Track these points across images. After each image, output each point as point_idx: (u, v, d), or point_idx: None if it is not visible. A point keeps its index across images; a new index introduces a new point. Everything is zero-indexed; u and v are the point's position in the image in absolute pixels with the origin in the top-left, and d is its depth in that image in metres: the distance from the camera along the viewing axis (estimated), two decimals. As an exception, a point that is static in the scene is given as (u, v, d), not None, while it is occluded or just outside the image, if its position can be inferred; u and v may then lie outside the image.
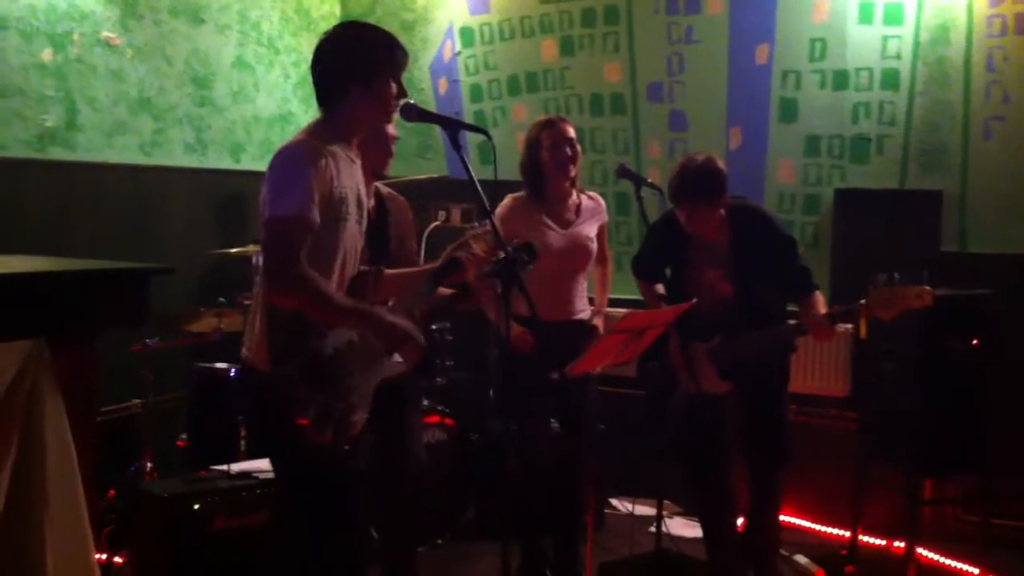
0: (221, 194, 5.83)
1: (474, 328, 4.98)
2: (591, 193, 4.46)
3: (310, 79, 2.99)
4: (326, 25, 6.26)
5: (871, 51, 5.32)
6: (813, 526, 5.23)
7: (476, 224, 3.45)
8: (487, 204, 3.09)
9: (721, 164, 3.93)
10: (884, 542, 4.88)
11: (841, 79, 5.40)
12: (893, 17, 5.27)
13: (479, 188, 3.02)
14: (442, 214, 5.52)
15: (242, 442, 4.53)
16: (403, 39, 3.03)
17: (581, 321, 4.32)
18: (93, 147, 5.14)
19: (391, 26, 6.20)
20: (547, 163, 4.19)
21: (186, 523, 3.91)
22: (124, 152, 5.29)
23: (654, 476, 4.42)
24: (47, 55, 4.91)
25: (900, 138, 5.29)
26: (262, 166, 2.92)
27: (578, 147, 4.25)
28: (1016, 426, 4.70)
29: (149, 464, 4.66)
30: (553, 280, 4.16)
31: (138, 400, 4.89)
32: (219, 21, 5.83)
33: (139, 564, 4.12)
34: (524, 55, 6.22)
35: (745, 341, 3.91)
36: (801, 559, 4.67)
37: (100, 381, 3.28)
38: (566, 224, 4.28)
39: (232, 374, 4.79)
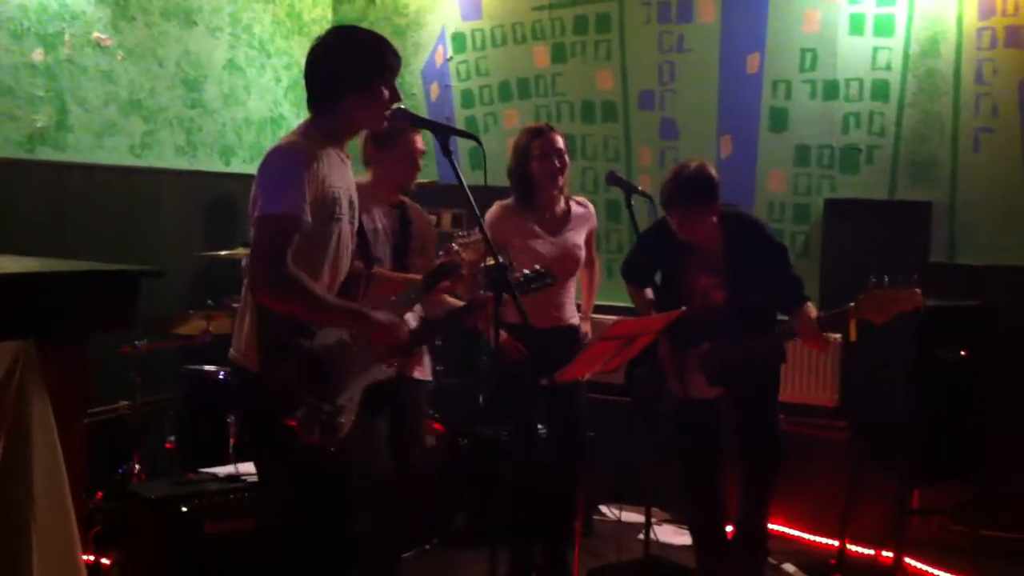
0: (211, 196, 5.82)
1: (463, 333, 4.97)
2: (580, 199, 4.47)
3: (301, 82, 3.00)
4: (318, 29, 6.26)
5: (861, 62, 5.34)
6: (802, 535, 5.24)
7: (465, 232, 3.47)
8: (477, 210, 3.10)
9: (713, 171, 3.95)
10: (872, 551, 4.89)
11: (831, 89, 5.42)
12: (884, 28, 5.29)
13: (469, 194, 3.03)
14: (432, 219, 5.51)
15: (231, 444, 4.52)
16: (395, 43, 3.04)
17: (570, 327, 4.33)
18: (83, 148, 5.12)
19: (383, 30, 6.20)
20: (536, 172, 4.19)
21: (174, 525, 3.90)
22: (114, 153, 5.28)
23: (643, 483, 4.43)
24: (38, 55, 4.90)
25: (890, 149, 5.31)
26: (252, 169, 2.92)
27: (567, 157, 4.25)
28: (1005, 436, 4.71)
29: (137, 466, 4.65)
30: None
31: (127, 402, 4.88)
32: (211, 23, 5.82)
33: (127, 566, 4.11)
34: (516, 61, 6.22)
35: (734, 347, 3.93)
36: (790, 568, 4.68)
37: (89, 382, 3.26)
38: (554, 231, 4.28)
39: (221, 376, 4.78)
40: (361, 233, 3.12)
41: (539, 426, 4.45)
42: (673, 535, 5.08)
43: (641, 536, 4.44)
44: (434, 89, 6.48)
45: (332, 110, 2.92)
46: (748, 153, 5.63)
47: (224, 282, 5.21)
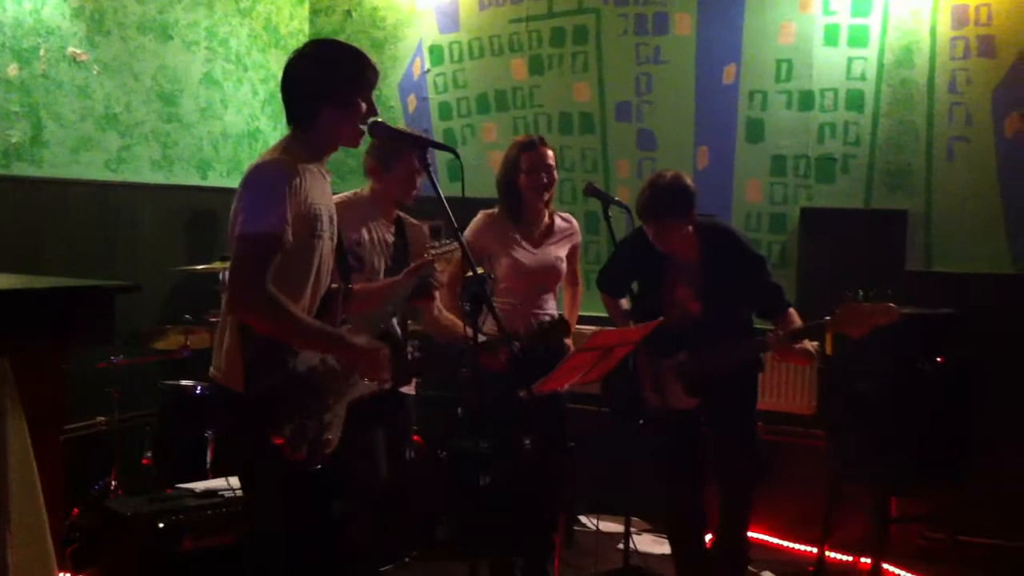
0: (188, 211, 5.80)
1: (442, 345, 4.96)
2: (565, 215, 4.48)
3: (279, 96, 2.99)
4: (295, 42, 6.26)
5: (836, 72, 5.38)
6: (780, 542, 5.25)
7: (438, 243, 3.47)
8: (455, 222, 3.11)
9: (689, 181, 3.97)
10: (851, 559, 4.90)
11: (807, 100, 5.45)
12: (858, 39, 5.33)
13: (447, 206, 3.03)
14: (425, 227, 5.52)
15: (208, 459, 4.50)
16: (373, 56, 3.03)
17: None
18: (59, 163, 5.10)
19: (360, 43, 6.20)
20: (523, 185, 4.21)
21: (152, 542, 3.88)
22: (90, 168, 5.26)
23: (622, 493, 4.43)
24: (12, 70, 4.87)
25: (865, 158, 5.35)
26: (230, 183, 2.92)
27: (555, 172, 4.27)
28: (983, 443, 4.74)
29: (114, 482, 4.62)
30: (522, 298, 4.18)
31: (104, 417, 4.85)
32: (187, 37, 5.81)
33: (103, 583, 4.08)
34: (493, 74, 6.24)
35: (711, 357, 3.94)
36: (768, 575, 4.68)
37: (65, 397, 3.24)
38: (537, 243, 4.29)
39: (199, 391, 4.76)
40: (339, 250, 3.12)
41: (525, 441, 4.44)
42: (653, 545, 5.08)
43: (621, 546, 4.44)
44: (412, 101, 6.49)
45: (311, 125, 2.90)
46: (725, 163, 5.66)
47: (202, 297, 5.20)
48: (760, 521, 5.07)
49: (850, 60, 5.35)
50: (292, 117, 2.94)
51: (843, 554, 4.92)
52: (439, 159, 6.02)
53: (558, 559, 4.32)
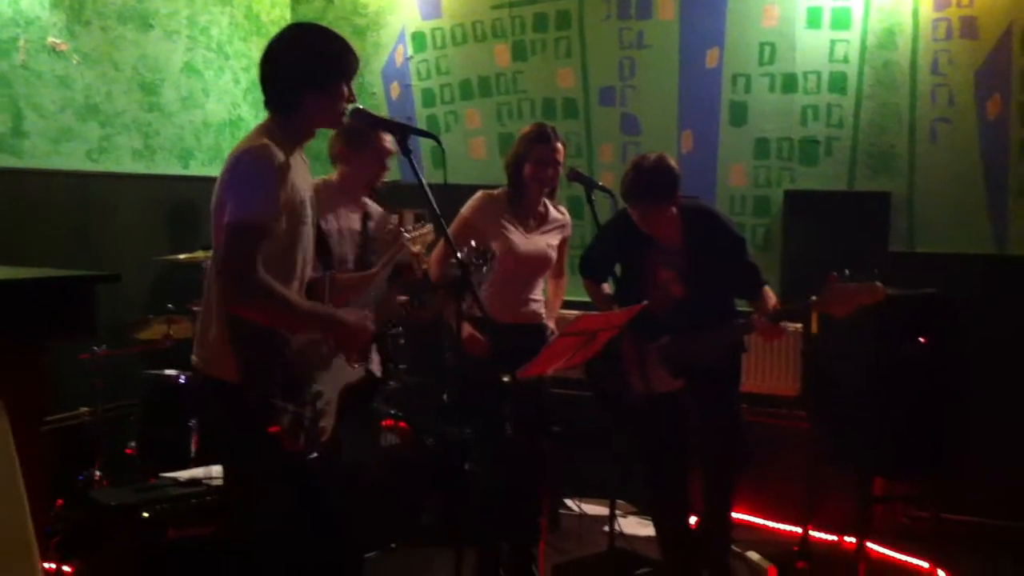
0: (170, 200, 5.77)
1: (427, 331, 4.97)
2: (561, 207, 4.49)
3: (261, 81, 2.97)
4: (276, 30, 6.17)
5: (819, 55, 5.38)
6: (765, 523, 5.28)
7: (411, 227, 3.47)
8: (437, 208, 3.10)
9: (673, 163, 3.98)
10: (835, 538, 4.93)
11: (790, 82, 5.46)
12: (841, 22, 5.33)
13: (429, 193, 3.03)
14: (395, 218, 5.49)
15: (192, 449, 4.49)
16: (355, 43, 3.02)
17: (536, 324, 4.34)
18: (39, 154, 5.06)
19: (342, 30, 6.17)
20: (528, 175, 4.20)
21: (136, 532, 3.86)
22: (71, 159, 5.23)
23: (607, 476, 4.44)
24: (-9, 61, 4.85)
25: (848, 140, 5.36)
26: (212, 172, 2.90)
27: (561, 167, 4.26)
28: (965, 423, 4.75)
29: (98, 472, 4.61)
30: (511, 283, 4.19)
31: (87, 408, 4.83)
32: (167, 26, 5.77)
33: (89, 574, 4.06)
34: (477, 60, 6.22)
35: (694, 340, 3.95)
36: (753, 556, 4.70)
37: (48, 390, 3.23)
38: (531, 229, 4.30)
39: (182, 381, 4.75)
40: (320, 237, 3.11)
41: (507, 423, 4.44)
42: (638, 527, 5.08)
43: (606, 529, 4.45)
44: (395, 88, 6.47)
45: (291, 111, 2.88)
46: (709, 147, 5.66)
47: (184, 286, 5.17)
48: (745, 502, 5.09)
49: (833, 43, 5.35)
50: (273, 102, 2.92)
51: (827, 534, 4.95)
52: (423, 146, 6.00)
53: (543, 543, 4.33)
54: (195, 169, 5.92)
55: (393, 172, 6.18)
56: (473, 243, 3.28)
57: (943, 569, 4.58)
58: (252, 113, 6.25)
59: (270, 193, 2.72)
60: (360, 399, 3.72)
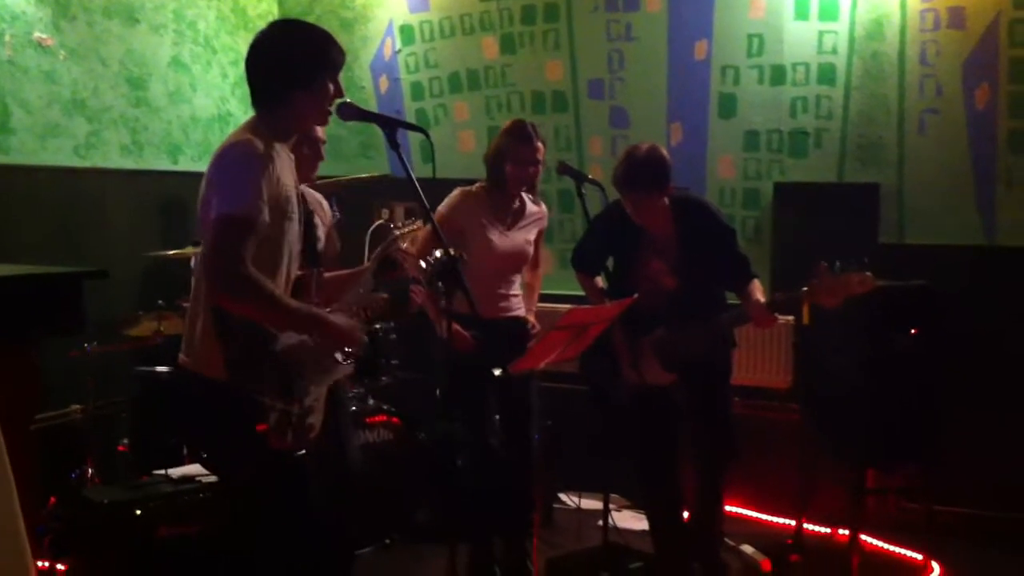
0: (159, 196, 5.74)
1: (419, 327, 4.96)
2: (538, 200, 4.48)
3: (247, 77, 2.96)
4: (264, 24, 6.12)
5: (807, 46, 5.38)
6: (758, 515, 5.29)
7: (401, 223, 3.46)
8: (426, 202, 3.09)
9: (665, 153, 3.99)
10: (829, 530, 4.94)
11: (779, 74, 5.46)
12: (828, 13, 5.33)
13: (418, 186, 3.02)
14: (385, 213, 5.49)
15: (185, 446, 4.47)
16: (342, 37, 3.02)
17: (518, 318, 4.35)
18: (26, 150, 5.03)
19: (330, 24, 6.19)
20: (509, 174, 4.18)
21: (129, 530, 3.86)
22: (58, 155, 5.20)
23: (601, 470, 4.44)
24: (-23, 57, 4.81)
25: (837, 132, 5.36)
26: (200, 167, 2.88)
27: (542, 166, 4.25)
28: (956, 414, 4.78)
29: (91, 470, 4.59)
30: (490, 279, 4.20)
31: (78, 406, 4.81)
32: (154, 21, 5.74)
33: (82, 572, 4.05)
34: (465, 53, 6.20)
35: (687, 332, 3.95)
36: (747, 549, 4.71)
37: (38, 386, 3.21)
38: (509, 226, 4.29)
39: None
40: (307, 234, 3.10)
41: (497, 418, 4.44)
42: (632, 521, 5.09)
43: (600, 523, 4.46)
44: (383, 82, 6.45)
45: (277, 107, 2.88)
46: (698, 139, 5.66)
47: (174, 282, 5.15)
48: (738, 495, 5.10)
49: (821, 34, 5.35)
50: (258, 98, 2.91)
51: (821, 526, 4.96)
52: (412, 140, 5.99)
53: (536, 537, 4.33)
54: (184, 164, 5.89)
55: (382, 166, 6.24)
56: (437, 253, 3.25)
57: (936, 561, 4.60)
58: (241, 108, 6.23)
59: (255, 187, 2.71)
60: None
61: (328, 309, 3.04)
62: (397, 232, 3.37)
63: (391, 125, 3.12)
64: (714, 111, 5.61)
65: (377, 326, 4.94)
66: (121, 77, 5.54)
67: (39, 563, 3.36)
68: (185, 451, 4.47)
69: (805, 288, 3.74)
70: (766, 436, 4.99)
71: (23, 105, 5.01)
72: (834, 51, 5.33)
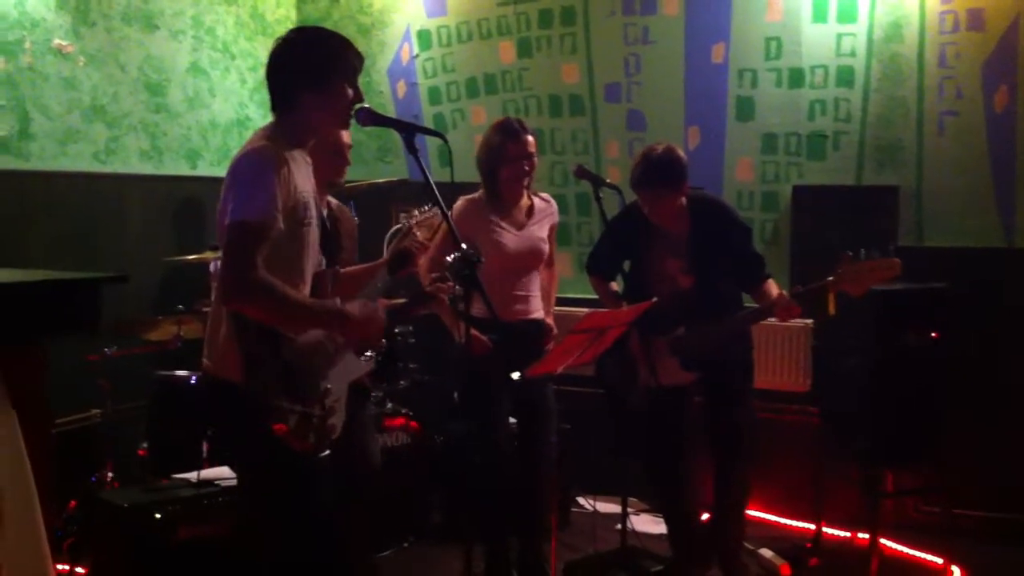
0: (177, 201, 5.77)
1: (437, 330, 4.97)
2: (543, 195, 4.47)
3: (266, 84, 2.98)
4: (282, 29, 6.15)
5: (826, 49, 5.37)
6: (778, 520, 5.27)
7: (417, 212, 3.46)
8: (444, 207, 3.10)
9: (681, 153, 4.03)
10: (848, 534, 4.92)
11: (797, 77, 5.44)
12: (847, 15, 5.31)
13: (436, 191, 3.03)
14: (403, 217, 5.50)
15: (204, 449, 4.49)
16: (360, 43, 3.04)
17: (536, 321, 4.33)
18: (46, 156, 5.07)
19: (348, 30, 6.22)
20: (505, 173, 4.18)
21: (148, 532, 3.87)
22: (78, 160, 5.23)
23: (619, 473, 4.44)
24: (-2, 63, 4.85)
25: (856, 134, 5.34)
26: (219, 172, 2.90)
27: (535, 159, 4.25)
28: (973, 417, 4.75)
29: (110, 474, 4.61)
30: (507, 281, 4.18)
31: (98, 410, 4.83)
32: (172, 27, 5.77)
33: (100, 574, 4.07)
34: (482, 57, 6.21)
35: (707, 331, 3.96)
36: (766, 553, 4.69)
37: (53, 391, 3.23)
38: (519, 226, 4.28)
39: (193, 381, 4.75)
40: (324, 234, 3.11)
41: (511, 420, 4.44)
42: (650, 524, 5.08)
43: (618, 527, 4.45)
44: (401, 87, 6.46)
45: (292, 112, 2.90)
46: (716, 143, 5.65)
47: (193, 286, 5.18)
48: (757, 499, 5.08)
49: (839, 36, 5.34)
50: (276, 104, 2.94)
51: (840, 529, 4.94)
52: (430, 144, 6.01)
53: (555, 540, 4.33)
54: (203, 169, 5.92)
55: (401, 171, 6.25)
56: (450, 258, 3.25)
57: (956, 564, 4.57)
58: (260, 113, 6.25)
59: (269, 193, 2.72)
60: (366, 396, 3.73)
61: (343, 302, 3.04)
62: (413, 221, 3.37)
63: (409, 130, 3.13)
64: (732, 114, 5.60)
65: (396, 330, 4.94)
66: (140, 83, 5.57)
67: (59, 567, 3.39)
68: (204, 454, 4.48)
69: (831, 278, 3.74)
70: (784, 439, 4.98)
71: (43, 111, 5.05)
72: (852, 53, 5.32)
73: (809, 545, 4.79)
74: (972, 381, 4.74)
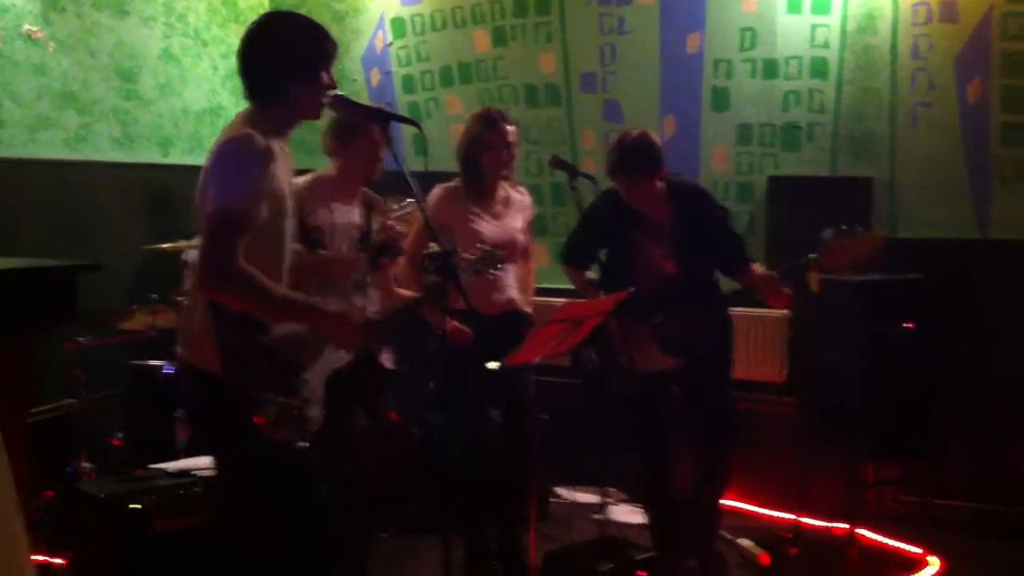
0: (150, 189, 5.72)
1: (414, 321, 4.95)
2: (520, 188, 4.46)
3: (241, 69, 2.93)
4: (254, 16, 6.08)
5: (800, 40, 5.38)
6: (756, 509, 5.28)
7: (397, 206, 3.46)
8: (420, 196, 3.08)
9: (656, 138, 4.03)
10: (827, 524, 4.94)
11: (771, 68, 5.46)
12: (821, 6, 5.33)
13: (411, 180, 3.01)
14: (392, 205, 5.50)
15: (179, 439, 4.46)
16: (334, 30, 3.00)
17: (516, 312, 4.32)
18: (16, 143, 5.01)
19: (321, 17, 6.16)
20: (485, 163, 4.18)
21: (125, 523, 3.84)
22: (49, 147, 5.17)
23: (598, 464, 4.44)
24: (-33, 49, 4.78)
25: (830, 126, 5.37)
26: (192, 160, 2.88)
27: (515, 148, 4.24)
28: (951, 408, 4.79)
29: (87, 464, 4.57)
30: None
31: (72, 399, 4.79)
32: (144, 13, 5.71)
33: (79, 565, 4.03)
34: (457, 46, 6.19)
35: (687, 316, 3.96)
36: (745, 542, 4.71)
37: (33, 380, 3.20)
38: (496, 216, 4.27)
39: (167, 371, 4.71)
40: (301, 226, 3.09)
41: (493, 411, 4.43)
42: (628, 514, 5.08)
43: (596, 516, 4.46)
44: (375, 75, 6.43)
45: (273, 100, 2.85)
46: (691, 133, 5.66)
47: (167, 276, 5.14)
48: (736, 489, 5.10)
49: (813, 27, 5.35)
50: (254, 91, 2.88)
51: (819, 520, 4.95)
52: (405, 133, 5.97)
53: (533, 530, 4.33)
54: (175, 157, 5.86)
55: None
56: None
57: (935, 555, 4.59)
58: (232, 100, 6.20)
59: (253, 182, 2.69)
60: (370, 393, 3.72)
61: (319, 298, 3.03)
62: (394, 216, 3.37)
63: (384, 118, 3.10)
64: (707, 105, 5.61)
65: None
66: (111, 69, 5.51)
67: (36, 558, 3.35)
68: (180, 444, 4.45)
69: (813, 255, 3.74)
70: (762, 430, 4.98)
71: (13, 97, 4.98)
72: (826, 45, 5.34)
73: (788, 535, 4.80)
74: (948, 372, 4.77)
